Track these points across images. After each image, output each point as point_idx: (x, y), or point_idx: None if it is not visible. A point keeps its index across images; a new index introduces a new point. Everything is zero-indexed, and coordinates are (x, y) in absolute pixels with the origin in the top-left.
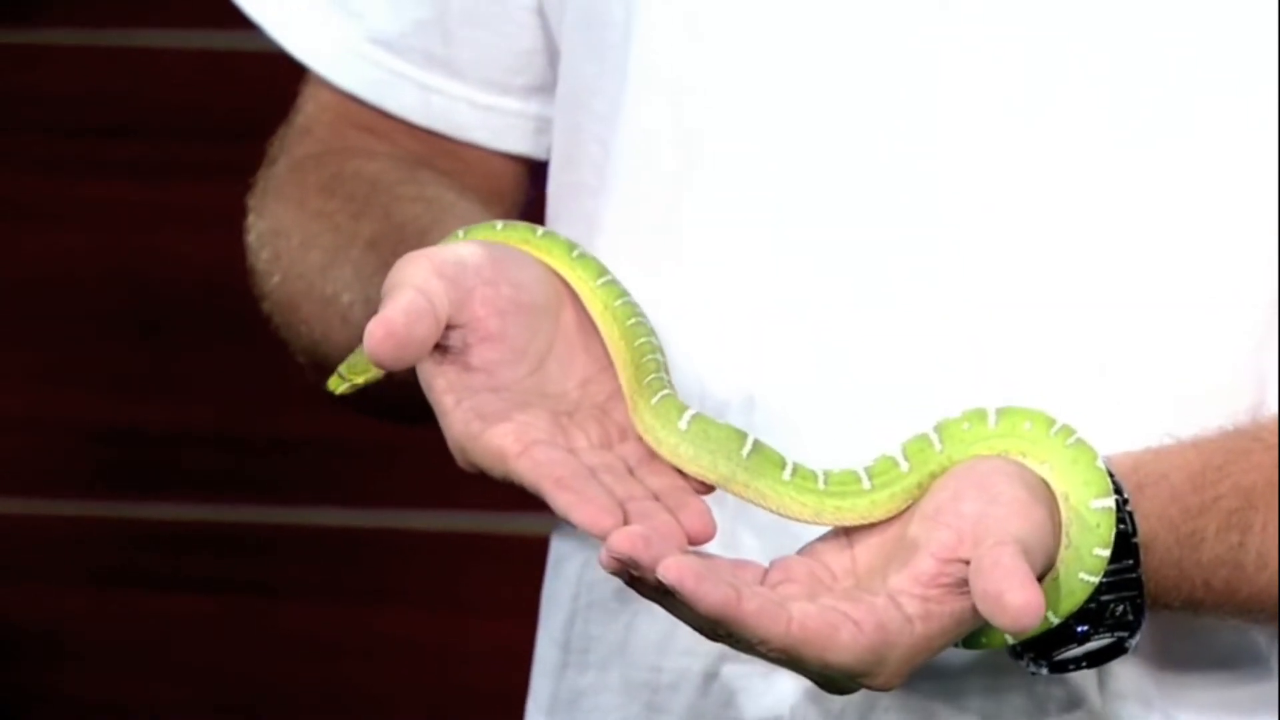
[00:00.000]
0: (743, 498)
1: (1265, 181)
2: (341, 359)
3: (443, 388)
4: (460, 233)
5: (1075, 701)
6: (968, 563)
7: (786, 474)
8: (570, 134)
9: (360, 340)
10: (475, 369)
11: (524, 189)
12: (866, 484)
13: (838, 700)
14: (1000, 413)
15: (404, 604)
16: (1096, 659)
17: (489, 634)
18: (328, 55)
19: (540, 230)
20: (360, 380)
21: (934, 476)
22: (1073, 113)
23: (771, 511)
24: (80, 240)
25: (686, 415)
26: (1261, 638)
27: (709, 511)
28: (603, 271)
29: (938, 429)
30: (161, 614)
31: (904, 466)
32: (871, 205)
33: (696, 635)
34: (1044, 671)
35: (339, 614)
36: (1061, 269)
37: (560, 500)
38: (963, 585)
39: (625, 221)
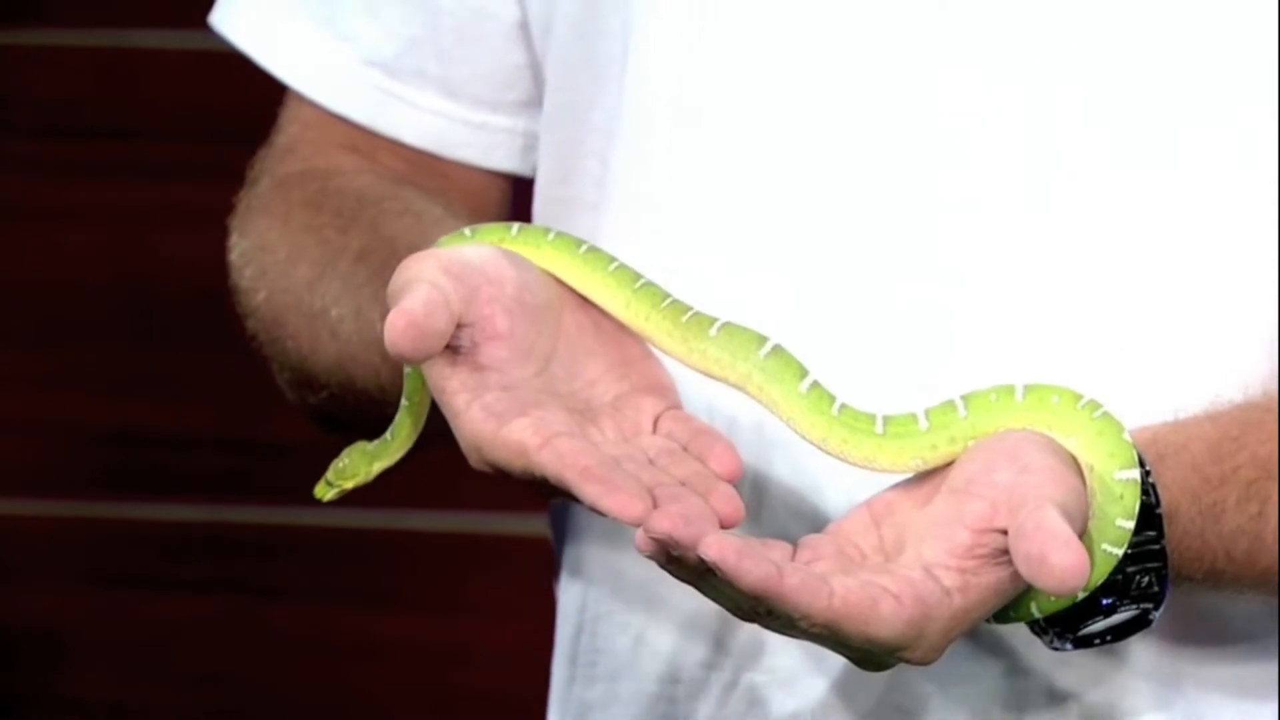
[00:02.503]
0: (759, 402)
1: (1267, 171)
2: (330, 374)
3: (455, 388)
4: (467, 231)
5: (1094, 682)
6: (1003, 533)
7: (803, 387)
8: (565, 149)
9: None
10: (485, 368)
11: (507, 206)
12: (880, 428)
13: (859, 708)
14: (1028, 388)
15: (405, 606)
16: (1121, 632)
17: (491, 636)
18: (318, 78)
19: (552, 233)
20: (350, 485)
21: (952, 443)
22: (1075, 109)
23: (782, 423)
24: (80, 241)
25: (718, 324)
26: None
27: (737, 495)
28: (612, 259)
29: (965, 398)
30: (161, 615)
31: (923, 425)
32: (875, 211)
33: (713, 646)
34: (1068, 647)
35: (340, 616)
36: (1069, 259)
37: (588, 491)
38: (999, 556)
39: (625, 234)
